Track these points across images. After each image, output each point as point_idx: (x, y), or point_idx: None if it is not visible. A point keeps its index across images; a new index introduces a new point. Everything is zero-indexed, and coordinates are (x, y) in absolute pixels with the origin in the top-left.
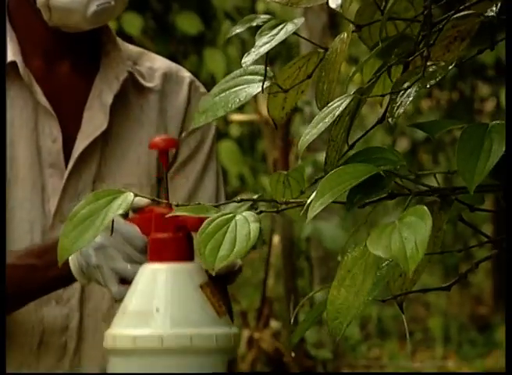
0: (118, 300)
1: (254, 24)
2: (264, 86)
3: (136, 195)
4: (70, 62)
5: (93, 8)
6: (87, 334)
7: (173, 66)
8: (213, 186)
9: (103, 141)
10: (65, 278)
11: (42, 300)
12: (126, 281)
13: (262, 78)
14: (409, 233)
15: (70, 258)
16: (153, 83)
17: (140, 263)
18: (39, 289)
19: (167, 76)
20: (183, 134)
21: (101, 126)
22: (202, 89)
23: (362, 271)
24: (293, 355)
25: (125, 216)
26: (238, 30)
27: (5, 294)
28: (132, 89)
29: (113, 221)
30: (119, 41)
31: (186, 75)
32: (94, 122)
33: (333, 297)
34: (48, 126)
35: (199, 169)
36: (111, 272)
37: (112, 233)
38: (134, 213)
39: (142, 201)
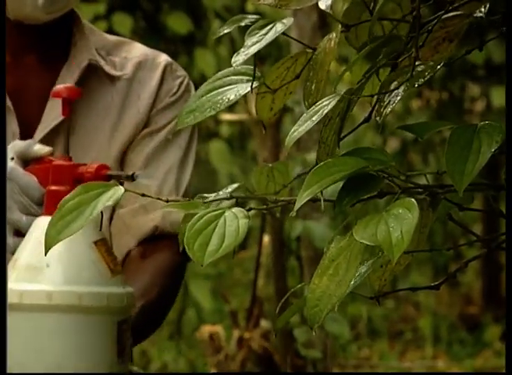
0: (12, 253)
1: (243, 24)
2: (253, 86)
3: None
4: (38, 55)
5: None
6: None
7: (150, 53)
8: (175, 159)
9: (68, 132)
10: None
11: None
12: (21, 233)
13: (250, 78)
14: (396, 223)
15: None
16: (123, 71)
17: (37, 215)
18: None
19: (141, 64)
20: (153, 111)
21: (60, 115)
22: (180, 72)
23: (346, 260)
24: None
25: (25, 165)
26: (226, 31)
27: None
28: (99, 78)
29: (102, 214)
30: (91, 30)
31: (162, 60)
32: (54, 112)
33: (315, 285)
34: (8, 121)
35: (162, 139)
36: (6, 223)
37: (101, 228)
38: (34, 163)
39: (42, 150)
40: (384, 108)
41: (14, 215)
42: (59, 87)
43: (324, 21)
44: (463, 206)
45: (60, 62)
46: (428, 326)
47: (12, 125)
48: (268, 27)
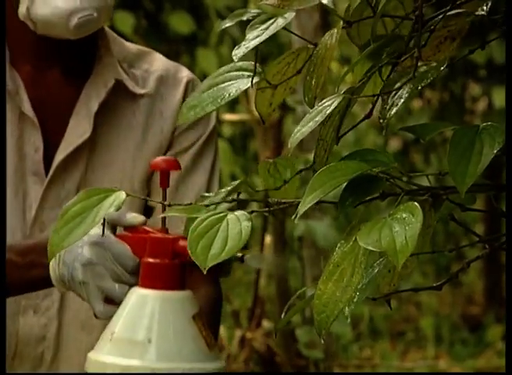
0: (101, 319)
1: (245, 18)
2: (254, 81)
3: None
4: (61, 68)
5: (74, 21)
6: (65, 344)
7: (172, 67)
8: (203, 182)
9: (90, 148)
10: (44, 281)
11: (19, 310)
12: (111, 301)
13: (250, 74)
14: (400, 228)
15: (51, 264)
16: (146, 88)
17: (129, 284)
18: (16, 287)
19: (163, 79)
20: (177, 132)
21: (83, 134)
22: None
23: (351, 266)
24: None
25: (113, 230)
26: (228, 24)
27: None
28: (122, 95)
29: (104, 220)
30: (118, 40)
31: (184, 75)
32: (77, 130)
33: (321, 291)
34: (32, 136)
35: (188, 163)
36: (97, 290)
37: (103, 233)
38: (125, 230)
39: (136, 219)
40: (388, 111)
41: (106, 283)
42: (158, 159)
43: (326, 21)
44: (465, 206)
45: (83, 77)
46: (430, 327)
47: (36, 140)
48: (270, 22)
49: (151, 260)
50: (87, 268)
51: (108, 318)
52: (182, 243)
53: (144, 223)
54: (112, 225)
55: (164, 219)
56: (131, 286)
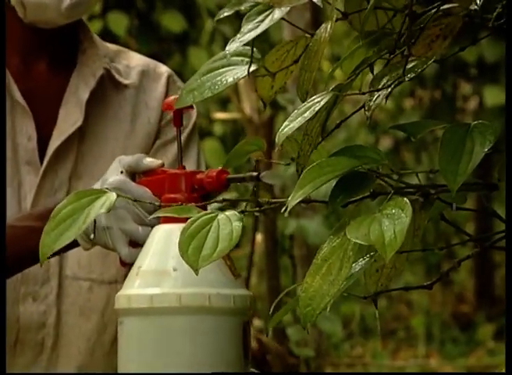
0: (127, 263)
1: (242, 8)
2: (252, 69)
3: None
4: (47, 60)
5: (67, 2)
6: (65, 330)
7: (150, 62)
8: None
9: (80, 138)
10: None
11: (18, 297)
12: (135, 244)
13: (249, 60)
14: (389, 223)
15: None
16: (130, 80)
17: (151, 226)
18: (37, 252)
19: (144, 73)
20: (163, 122)
21: (75, 122)
22: (179, 83)
23: (339, 260)
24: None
25: (133, 178)
26: (226, 14)
27: (5, 256)
28: (109, 86)
29: (95, 221)
30: (97, 38)
31: (164, 70)
32: (69, 118)
33: (307, 285)
34: (24, 125)
35: (175, 152)
36: (120, 233)
37: (95, 234)
38: (144, 176)
39: (154, 162)
40: (373, 101)
41: (129, 225)
42: (170, 99)
43: (317, 19)
44: (456, 206)
45: (68, 68)
46: (421, 325)
47: (29, 129)
48: (266, 13)
49: (170, 196)
50: (110, 213)
51: (134, 261)
52: (199, 176)
53: (162, 166)
54: (131, 172)
55: (181, 157)
56: (153, 227)
